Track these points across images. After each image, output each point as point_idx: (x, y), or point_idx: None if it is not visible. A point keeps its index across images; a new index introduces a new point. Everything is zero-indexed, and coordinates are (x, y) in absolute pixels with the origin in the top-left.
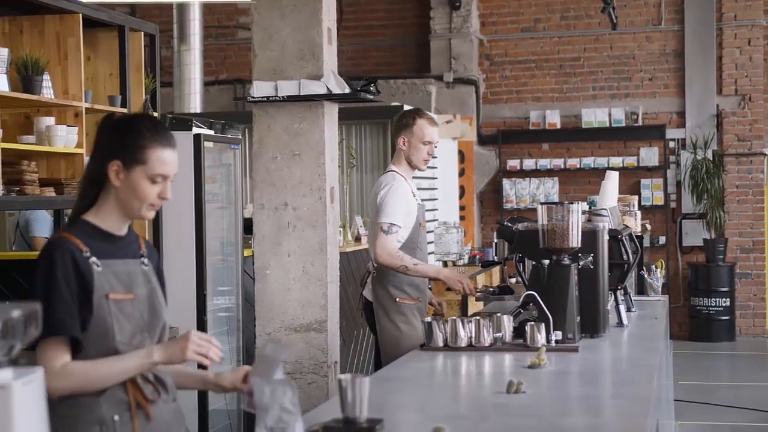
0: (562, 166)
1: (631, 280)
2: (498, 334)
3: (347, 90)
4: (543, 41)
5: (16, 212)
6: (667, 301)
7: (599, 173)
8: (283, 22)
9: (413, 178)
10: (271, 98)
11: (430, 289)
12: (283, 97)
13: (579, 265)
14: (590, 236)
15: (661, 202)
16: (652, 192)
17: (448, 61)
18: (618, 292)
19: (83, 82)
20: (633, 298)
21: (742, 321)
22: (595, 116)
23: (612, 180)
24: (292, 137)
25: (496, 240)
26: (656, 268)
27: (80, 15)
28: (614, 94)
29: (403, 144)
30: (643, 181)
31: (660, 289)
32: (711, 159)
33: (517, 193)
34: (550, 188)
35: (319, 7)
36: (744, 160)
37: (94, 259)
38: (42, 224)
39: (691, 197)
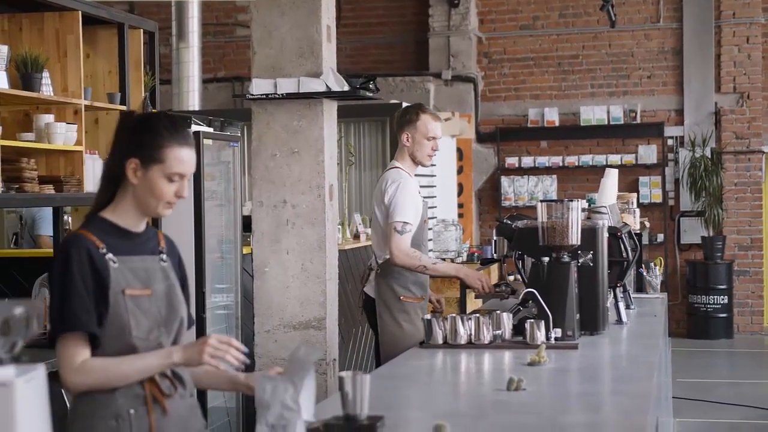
0: (561, 164)
1: (630, 278)
2: (497, 332)
3: (346, 87)
4: (541, 39)
5: (22, 211)
6: (666, 298)
7: (597, 171)
8: (282, 19)
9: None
10: (270, 96)
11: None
12: (282, 94)
13: (578, 262)
14: (590, 234)
15: (659, 200)
16: (651, 190)
17: (446, 58)
18: (617, 289)
19: (82, 80)
20: (632, 295)
21: (740, 318)
22: (593, 114)
23: (611, 177)
24: (291, 135)
25: (495, 237)
26: (655, 265)
27: (80, 12)
28: (613, 92)
29: (407, 140)
30: (642, 179)
31: (659, 287)
32: (709, 157)
33: (515, 190)
34: (549, 186)
35: (318, 4)
36: (742, 157)
37: (110, 255)
38: (48, 223)
39: (689, 195)
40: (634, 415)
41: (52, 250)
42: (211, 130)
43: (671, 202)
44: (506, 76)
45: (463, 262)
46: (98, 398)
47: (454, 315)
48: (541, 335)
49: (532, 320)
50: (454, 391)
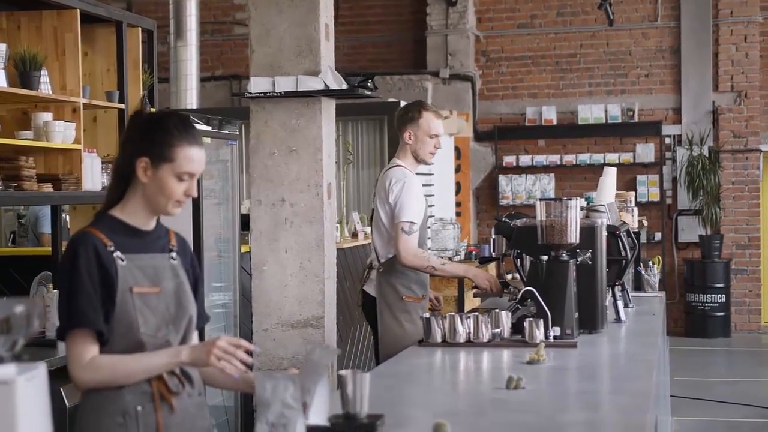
0: (558, 163)
1: (628, 276)
2: (496, 330)
3: (345, 86)
4: (539, 37)
5: (26, 209)
6: (664, 297)
7: (595, 169)
8: (280, 18)
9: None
10: (268, 94)
11: None
12: (280, 93)
13: (577, 261)
14: (588, 232)
15: (656, 199)
16: (648, 188)
17: (444, 57)
18: (616, 288)
19: (81, 78)
20: (630, 294)
21: (738, 317)
22: (591, 112)
23: (610, 176)
24: (289, 133)
25: (494, 236)
26: (653, 264)
27: (78, 10)
28: (610, 91)
29: (409, 138)
30: (639, 178)
31: (657, 285)
32: (707, 155)
33: (513, 189)
34: (546, 184)
35: (316, 2)
36: (740, 156)
37: (118, 253)
38: (50, 221)
39: (686, 193)
40: (633, 413)
41: (50, 249)
42: (209, 128)
43: (669, 201)
44: (504, 74)
45: (460, 261)
46: (106, 394)
47: (452, 313)
48: (539, 334)
49: (530, 319)
50: (454, 390)
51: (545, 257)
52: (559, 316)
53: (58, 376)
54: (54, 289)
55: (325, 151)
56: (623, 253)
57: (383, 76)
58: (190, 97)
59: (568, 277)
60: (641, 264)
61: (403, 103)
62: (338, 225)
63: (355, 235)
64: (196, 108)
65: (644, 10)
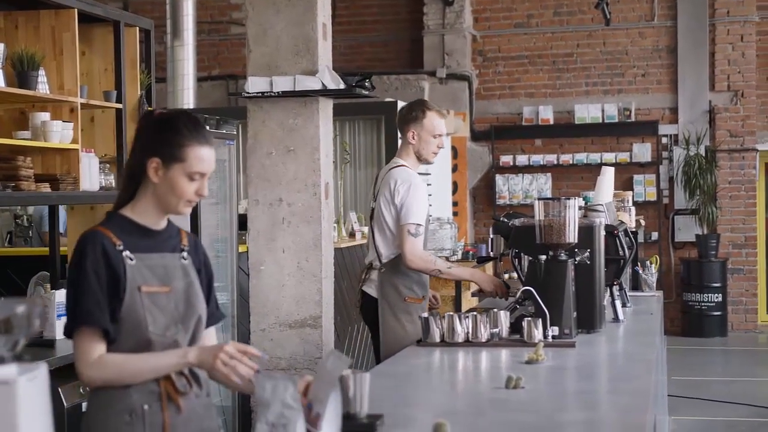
0: (555, 162)
1: (625, 276)
2: (495, 330)
3: (342, 85)
4: (536, 37)
5: (23, 209)
6: (662, 296)
7: (592, 169)
8: (277, 17)
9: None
10: (265, 94)
11: None
12: (277, 92)
13: (576, 260)
14: (587, 232)
15: (653, 198)
16: (645, 188)
17: (441, 56)
18: (614, 287)
19: (78, 78)
20: (628, 293)
21: (734, 316)
22: (587, 112)
23: (608, 175)
24: (286, 133)
25: (492, 236)
26: (650, 263)
27: (75, 10)
28: (607, 90)
29: (413, 137)
30: (636, 177)
31: (654, 285)
32: (703, 155)
33: (509, 189)
34: (543, 184)
35: (313, 2)
36: (736, 156)
37: (127, 252)
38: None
39: (683, 193)
40: (633, 413)
41: (48, 249)
42: (207, 128)
43: (665, 201)
44: (501, 74)
45: (458, 261)
46: (113, 393)
47: (451, 313)
48: (538, 333)
49: (529, 318)
50: (453, 390)
51: (544, 257)
52: (558, 316)
53: (57, 376)
54: (51, 289)
55: (323, 150)
56: (621, 252)
57: (380, 75)
58: (187, 96)
59: (567, 276)
60: (639, 263)
61: (400, 103)
62: (336, 225)
63: (352, 234)
64: (193, 108)
65: (641, 9)
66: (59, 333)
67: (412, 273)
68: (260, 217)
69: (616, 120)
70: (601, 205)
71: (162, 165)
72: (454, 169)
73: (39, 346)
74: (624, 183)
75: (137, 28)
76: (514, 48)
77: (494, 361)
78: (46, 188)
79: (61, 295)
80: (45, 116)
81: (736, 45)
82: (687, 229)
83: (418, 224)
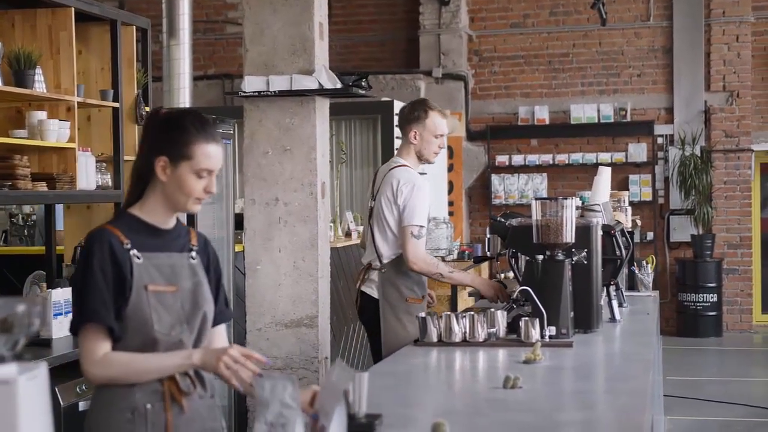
0: (551, 162)
1: (621, 276)
2: (492, 330)
3: (339, 85)
4: (532, 37)
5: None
6: (658, 296)
7: (588, 169)
8: (274, 17)
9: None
10: (262, 93)
11: None
12: (274, 92)
13: (573, 260)
14: (584, 232)
15: (649, 198)
16: (641, 188)
17: (437, 56)
18: (610, 287)
19: (75, 77)
20: (624, 293)
21: (729, 316)
22: (583, 112)
23: (604, 175)
24: (283, 132)
25: (489, 235)
26: (647, 263)
27: (72, 9)
28: (603, 90)
29: (415, 137)
30: (632, 177)
31: (651, 285)
32: (699, 155)
33: (505, 188)
34: (539, 184)
35: (310, 1)
36: (732, 156)
37: (134, 251)
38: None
39: (678, 193)
40: (631, 413)
41: (44, 248)
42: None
43: (661, 201)
44: (497, 74)
45: (454, 260)
46: (117, 391)
47: (448, 313)
48: (535, 333)
49: (526, 318)
50: (451, 389)
51: (541, 257)
52: (555, 316)
53: (54, 375)
54: (48, 288)
55: (319, 150)
56: (618, 252)
57: (376, 75)
58: (183, 96)
59: (564, 276)
60: (635, 263)
61: (396, 103)
62: (332, 224)
63: (348, 234)
64: (189, 107)
65: (637, 9)
66: (56, 332)
67: (413, 273)
68: (256, 217)
69: (612, 120)
70: (598, 205)
71: (170, 163)
72: (450, 168)
73: (36, 346)
74: (619, 183)
75: (134, 27)
76: (510, 48)
77: (491, 361)
78: (42, 187)
79: (57, 294)
80: (42, 115)
81: (731, 45)
82: (682, 229)
83: (420, 226)
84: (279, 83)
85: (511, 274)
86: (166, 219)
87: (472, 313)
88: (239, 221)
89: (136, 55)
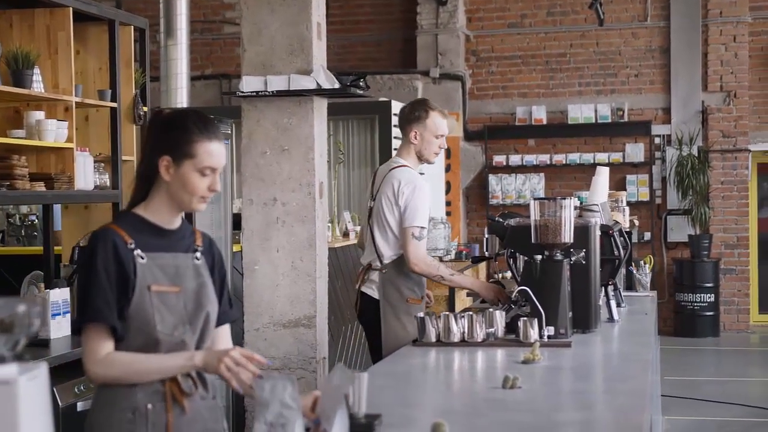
0: (548, 162)
1: (619, 276)
2: (490, 330)
3: (337, 85)
4: (529, 37)
5: (15, 209)
6: (656, 296)
7: (585, 169)
8: (272, 16)
9: None
10: (260, 93)
11: None
12: (272, 92)
13: (571, 260)
14: (582, 232)
15: (646, 198)
16: (638, 188)
17: (434, 56)
18: (609, 287)
19: (73, 77)
20: (622, 293)
21: (727, 316)
22: (581, 112)
23: (603, 176)
24: (281, 132)
25: (487, 235)
26: (645, 263)
27: (70, 9)
28: (600, 90)
29: (415, 137)
30: (629, 177)
31: (648, 285)
32: (696, 155)
33: (503, 188)
34: (536, 184)
35: (308, 1)
36: (729, 156)
37: (138, 251)
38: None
39: (676, 193)
40: (630, 413)
41: (42, 248)
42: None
43: (658, 201)
44: (494, 74)
45: (451, 260)
46: (118, 390)
47: (447, 313)
48: (534, 333)
49: (525, 318)
50: (450, 389)
51: (539, 257)
52: (553, 316)
53: (52, 376)
54: (45, 288)
55: (317, 150)
56: (616, 252)
57: (373, 75)
58: (180, 96)
59: (562, 276)
60: (633, 263)
61: (394, 103)
62: (329, 224)
63: (346, 234)
64: (186, 107)
65: (634, 9)
66: (54, 333)
67: (413, 274)
68: (254, 217)
69: (609, 120)
70: (596, 205)
71: (173, 163)
72: (447, 168)
73: (34, 346)
74: (617, 183)
75: (132, 27)
76: (508, 48)
77: (490, 361)
78: (40, 187)
79: (55, 295)
80: (40, 115)
81: (728, 45)
82: (679, 230)
83: (422, 227)
84: (277, 83)
85: (508, 274)
86: (170, 219)
87: (470, 313)
88: (237, 221)
89: (134, 55)
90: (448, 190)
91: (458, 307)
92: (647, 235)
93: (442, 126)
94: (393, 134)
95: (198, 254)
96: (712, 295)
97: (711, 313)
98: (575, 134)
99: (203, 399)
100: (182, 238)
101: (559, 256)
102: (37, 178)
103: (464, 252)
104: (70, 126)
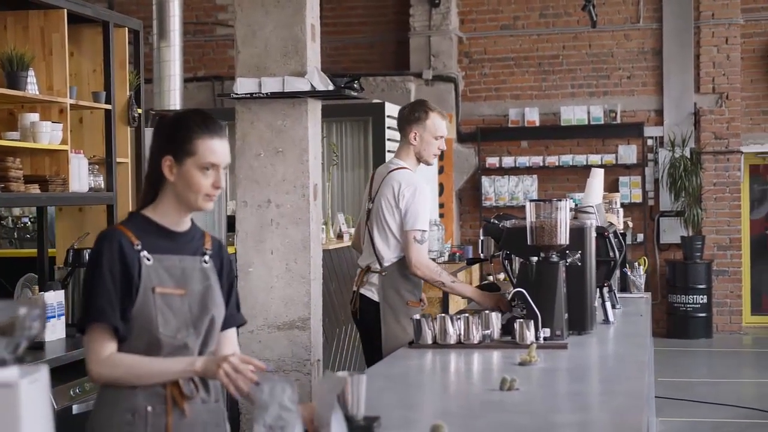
0: (541, 164)
1: (614, 278)
2: (486, 332)
3: (331, 87)
4: (522, 39)
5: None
6: (650, 298)
7: (578, 171)
8: (266, 18)
9: None
10: (254, 95)
11: None
12: (266, 93)
13: (567, 262)
14: (578, 233)
15: (639, 200)
16: (631, 190)
17: (427, 58)
18: (604, 289)
19: (68, 78)
20: (616, 295)
21: (719, 318)
22: (573, 114)
23: (597, 177)
24: (275, 134)
25: (482, 237)
26: (639, 265)
27: (65, 11)
28: (593, 92)
29: (415, 138)
30: (622, 179)
31: (643, 286)
32: (689, 157)
33: (496, 190)
34: (529, 186)
35: (302, 3)
36: (721, 158)
37: (145, 253)
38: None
39: (668, 195)
40: (628, 414)
41: (35, 251)
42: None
43: (651, 202)
44: (487, 76)
45: (445, 262)
46: (120, 392)
47: (443, 315)
48: (530, 335)
49: (521, 320)
50: (447, 391)
51: (535, 258)
52: (549, 318)
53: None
54: (40, 291)
55: (311, 152)
56: (612, 254)
57: (366, 77)
58: (173, 98)
59: (558, 278)
60: (627, 265)
61: (387, 104)
62: (323, 226)
63: (340, 236)
64: (179, 109)
65: (626, 11)
66: (49, 335)
67: (412, 277)
68: (248, 219)
69: (602, 122)
70: (592, 206)
71: (175, 162)
72: (441, 170)
73: (29, 349)
74: (610, 185)
75: (126, 28)
76: (500, 50)
77: (487, 363)
78: (35, 189)
79: (50, 297)
80: (34, 117)
81: (721, 47)
82: (672, 231)
83: (423, 231)
84: (271, 85)
85: (501, 276)
86: (178, 221)
87: (466, 315)
88: (231, 223)
89: (128, 56)
90: (441, 192)
91: (452, 309)
92: (640, 237)
93: (441, 127)
94: (387, 136)
95: (206, 257)
96: (705, 296)
97: (704, 315)
98: (568, 136)
99: (204, 402)
100: (190, 240)
101: (554, 258)
102: (31, 181)
103: (458, 254)
104: (65, 128)
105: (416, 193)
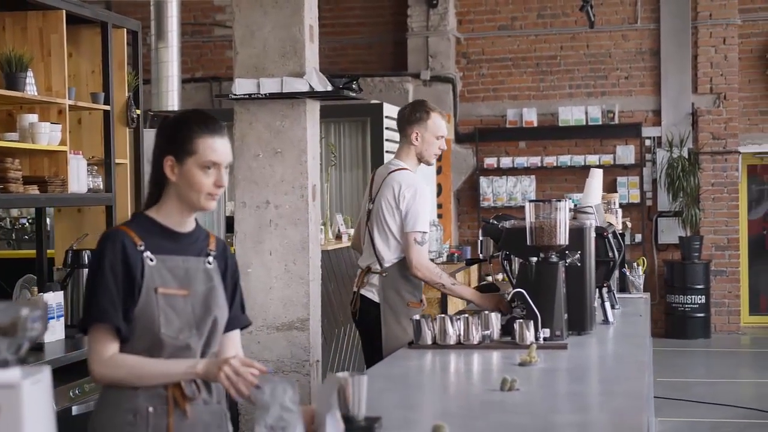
0: (539, 164)
1: (613, 278)
2: (486, 332)
3: (330, 87)
4: (520, 39)
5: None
6: (649, 298)
7: (576, 171)
8: (264, 19)
9: None
10: (252, 95)
11: None
12: (265, 94)
13: (566, 262)
14: (577, 234)
15: (637, 200)
16: (629, 190)
17: (425, 59)
18: (603, 289)
19: (66, 79)
20: (615, 295)
21: (717, 318)
22: (571, 114)
23: (596, 178)
24: (274, 135)
25: (481, 238)
26: (638, 265)
27: (63, 11)
28: (591, 93)
29: (416, 139)
30: (620, 179)
31: (642, 287)
32: (686, 157)
33: (494, 191)
34: (527, 186)
35: (300, 4)
36: (719, 158)
37: (148, 253)
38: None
39: (666, 195)
40: (628, 414)
41: (34, 252)
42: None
43: (649, 203)
44: (485, 76)
45: (443, 263)
46: (121, 392)
47: (443, 315)
48: (529, 335)
49: (520, 320)
50: (448, 392)
51: (534, 259)
52: (549, 318)
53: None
54: (39, 292)
55: (310, 152)
56: (611, 254)
57: (364, 78)
58: (171, 98)
59: (558, 278)
60: (626, 265)
61: (385, 105)
62: (322, 227)
63: (339, 237)
64: (177, 110)
65: (624, 12)
66: (48, 336)
67: (413, 278)
68: (247, 220)
69: (600, 122)
70: (591, 207)
71: (176, 162)
72: (439, 171)
73: (29, 350)
74: (608, 185)
75: (125, 29)
76: (498, 50)
77: (486, 363)
78: (34, 190)
79: (49, 298)
80: (33, 118)
81: (718, 48)
82: (670, 231)
83: (424, 232)
84: (269, 86)
85: (500, 276)
86: (182, 221)
87: (466, 315)
88: (230, 224)
89: (127, 57)
90: (439, 193)
91: (451, 310)
92: (638, 237)
93: (442, 127)
94: (385, 136)
95: (210, 258)
96: (703, 296)
97: (702, 315)
98: (566, 136)
99: (206, 404)
100: (195, 241)
101: (554, 259)
102: (30, 182)
103: (456, 254)
104: (64, 129)
105: (417, 195)
